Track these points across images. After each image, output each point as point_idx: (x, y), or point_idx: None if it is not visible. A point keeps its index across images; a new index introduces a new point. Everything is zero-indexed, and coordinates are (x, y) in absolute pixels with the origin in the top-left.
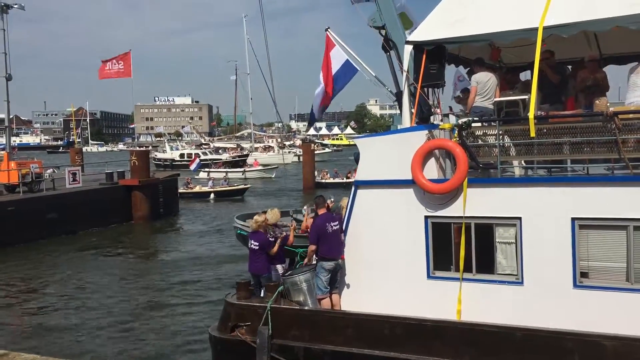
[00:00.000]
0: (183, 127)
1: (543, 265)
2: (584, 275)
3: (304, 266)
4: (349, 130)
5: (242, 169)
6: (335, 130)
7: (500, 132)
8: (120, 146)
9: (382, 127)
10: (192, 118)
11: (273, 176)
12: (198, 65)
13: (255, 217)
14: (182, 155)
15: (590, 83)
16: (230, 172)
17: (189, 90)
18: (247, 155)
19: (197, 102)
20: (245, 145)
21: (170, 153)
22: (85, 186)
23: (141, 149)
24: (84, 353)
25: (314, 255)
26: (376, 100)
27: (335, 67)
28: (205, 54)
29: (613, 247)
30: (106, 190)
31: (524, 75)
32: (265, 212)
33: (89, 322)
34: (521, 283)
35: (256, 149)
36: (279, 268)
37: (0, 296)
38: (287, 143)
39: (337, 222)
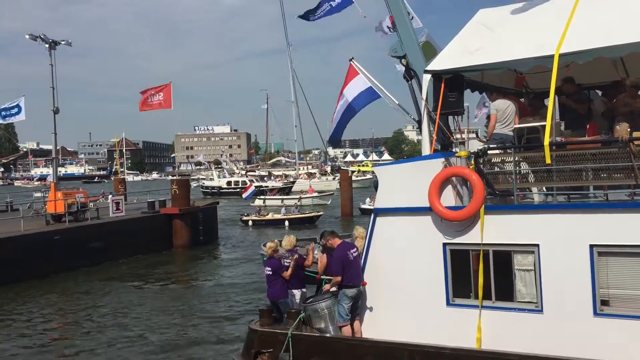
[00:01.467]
0: (221, 155)
1: (563, 293)
2: (604, 303)
3: (325, 293)
4: (386, 156)
5: (297, 197)
6: (373, 156)
7: (520, 159)
8: (154, 175)
9: (420, 152)
10: (230, 146)
11: (329, 202)
12: (237, 95)
13: (268, 243)
14: (229, 183)
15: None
16: (285, 199)
17: (228, 119)
18: (293, 183)
19: (235, 130)
20: (290, 172)
21: (217, 181)
22: (127, 215)
23: (176, 177)
24: None
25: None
26: (413, 126)
27: (353, 94)
28: (243, 83)
29: (633, 275)
30: (148, 219)
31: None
32: (276, 240)
33: (124, 348)
34: (541, 311)
35: (299, 176)
36: (296, 293)
37: (46, 323)
38: (315, 170)
39: (355, 249)
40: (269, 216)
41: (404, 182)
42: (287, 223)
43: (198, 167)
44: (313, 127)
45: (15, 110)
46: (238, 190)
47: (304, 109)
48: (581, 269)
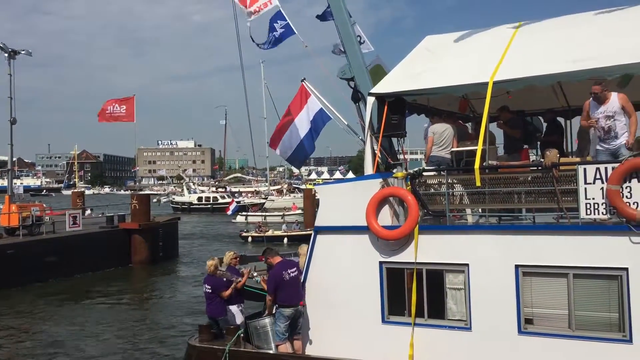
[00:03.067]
0: (184, 170)
1: (490, 312)
2: (528, 321)
3: (268, 311)
4: (350, 174)
5: (281, 213)
6: (337, 174)
7: (455, 181)
8: (106, 189)
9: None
10: (194, 161)
11: None
12: (201, 110)
13: (208, 261)
14: (200, 199)
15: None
16: (268, 215)
17: (193, 134)
18: (265, 199)
19: (199, 145)
20: (261, 189)
21: (188, 196)
22: (85, 229)
23: (135, 192)
24: None
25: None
26: None
27: (308, 115)
28: (208, 99)
29: (555, 294)
30: (106, 234)
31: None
32: (216, 258)
33: None
34: (469, 329)
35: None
36: (234, 309)
37: None
38: (274, 188)
39: (294, 269)
40: (269, 232)
41: (343, 201)
42: (285, 240)
43: (160, 181)
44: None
45: None
46: (209, 206)
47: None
48: (507, 288)
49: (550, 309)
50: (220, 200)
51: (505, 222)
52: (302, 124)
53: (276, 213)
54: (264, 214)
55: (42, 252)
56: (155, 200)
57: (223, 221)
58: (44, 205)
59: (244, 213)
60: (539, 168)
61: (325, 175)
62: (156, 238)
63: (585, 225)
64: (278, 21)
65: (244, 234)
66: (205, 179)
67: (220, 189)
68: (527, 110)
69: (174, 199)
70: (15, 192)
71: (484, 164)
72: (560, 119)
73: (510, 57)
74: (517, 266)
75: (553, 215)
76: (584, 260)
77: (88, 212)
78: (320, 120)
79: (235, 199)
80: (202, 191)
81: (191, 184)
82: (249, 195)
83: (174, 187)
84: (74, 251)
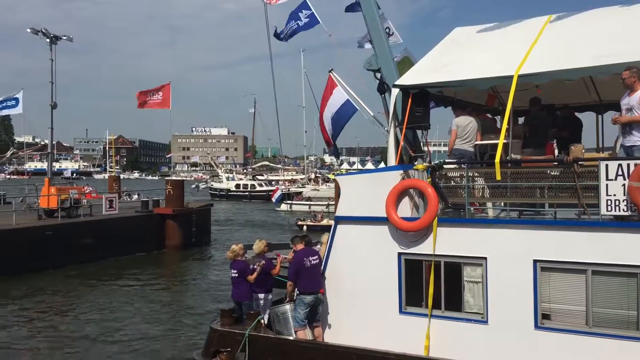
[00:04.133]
0: (215, 157)
1: (507, 306)
2: (545, 317)
3: (289, 298)
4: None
5: (325, 203)
6: (369, 165)
7: (476, 174)
8: (136, 174)
9: None
10: (227, 149)
11: None
12: (235, 98)
13: (232, 246)
14: (237, 186)
15: None
16: (313, 204)
17: (225, 122)
18: (303, 187)
19: (233, 133)
20: (297, 177)
21: (226, 183)
22: (121, 213)
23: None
24: None
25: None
26: None
27: (333, 107)
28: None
29: (573, 290)
30: (141, 218)
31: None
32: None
33: (94, 344)
34: (486, 322)
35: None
36: (261, 296)
37: (27, 318)
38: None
39: (316, 257)
40: (324, 222)
41: (363, 192)
42: None
43: (194, 168)
44: (315, 132)
45: (13, 102)
46: (246, 193)
47: (312, 114)
48: (525, 283)
49: (567, 305)
50: (258, 188)
51: (526, 216)
52: (327, 116)
53: (321, 202)
54: (308, 202)
55: (79, 234)
56: (194, 186)
57: (265, 209)
58: (89, 187)
59: (288, 201)
60: (560, 163)
61: (357, 166)
62: (189, 223)
63: (605, 222)
64: (303, 10)
65: (300, 223)
66: (238, 166)
67: (257, 176)
68: (557, 104)
69: (212, 185)
70: (64, 175)
71: (506, 158)
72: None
73: (537, 51)
74: (535, 261)
75: (575, 211)
76: (603, 257)
77: (135, 196)
78: (345, 111)
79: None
80: (240, 178)
81: (219, 170)
82: (286, 183)
83: (202, 173)
84: (109, 234)
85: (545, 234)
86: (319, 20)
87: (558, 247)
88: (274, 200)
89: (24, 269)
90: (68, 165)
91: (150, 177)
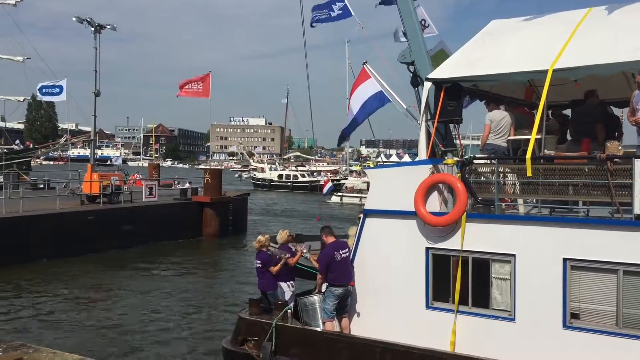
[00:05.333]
0: (255, 147)
1: (535, 304)
2: (574, 316)
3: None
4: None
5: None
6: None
7: (508, 170)
8: (168, 162)
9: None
10: (264, 139)
11: None
12: (274, 89)
13: (259, 237)
14: (280, 176)
15: None
16: (363, 197)
17: (263, 112)
18: (345, 178)
19: (270, 123)
20: (340, 169)
21: (269, 173)
22: (160, 200)
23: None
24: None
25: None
26: None
27: (363, 97)
28: (281, 77)
29: (603, 290)
30: (179, 206)
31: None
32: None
33: (130, 326)
34: (513, 320)
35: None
36: (284, 285)
37: (69, 301)
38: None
39: (346, 250)
40: None
41: (392, 186)
42: None
43: (231, 157)
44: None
45: (57, 90)
46: (289, 184)
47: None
48: (554, 281)
49: (597, 305)
50: (301, 179)
51: (557, 214)
52: (354, 103)
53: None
54: (359, 195)
55: (119, 220)
56: (236, 175)
57: (312, 200)
58: (139, 175)
59: (339, 193)
60: (593, 161)
61: (394, 158)
62: (227, 212)
63: (638, 222)
64: (337, 3)
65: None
66: (274, 156)
67: (300, 167)
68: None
69: (254, 175)
70: (115, 162)
71: (539, 154)
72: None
73: (574, 44)
74: (565, 259)
75: (609, 210)
76: (636, 258)
77: (187, 185)
78: (375, 101)
79: (314, 178)
80: (283, 169)
81: (251, 160)
82: (328, 174)
83: (234, 162)
84: (148, 221)
85: (576, 232)
86: (352, 12)
87: (589, 246)
88: (324, 191)
89: (66, 252)
90: (110, 153)
91: (181, 166)
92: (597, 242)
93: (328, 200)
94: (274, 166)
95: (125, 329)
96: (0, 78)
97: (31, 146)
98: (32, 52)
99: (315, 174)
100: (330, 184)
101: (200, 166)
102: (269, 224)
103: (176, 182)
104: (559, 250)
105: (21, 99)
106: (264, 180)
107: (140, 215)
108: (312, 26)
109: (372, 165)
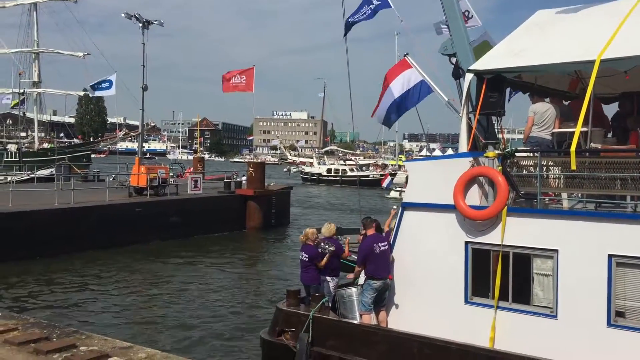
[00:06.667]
0: (298, 141)
1: (578, 301)
2: (619, 314)
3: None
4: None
5: None
6: (449, 151)
7: (552, 163)
8: (205, 156)
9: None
10: (307, 133)
11: None
12: (316, 82)
13: (306, 230)
14: (329, 170)
15: None
16: None
17: (306, 106)
18: (394, 174)
19: (312, 117)
20: (389, 162)
21: (317, 168)
22: (205, 193)
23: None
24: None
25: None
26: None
27: (407, 84)
28: (323, 71)
29: None
30: (223, 199)
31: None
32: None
33: (171, 316)
34: (555, 316)
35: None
36: (329, 280)
37: (118, 290)
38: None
39: (385, 243)
40: None
41: (432, 179)
42: None
43: (274, 151)
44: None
45: (107, 85)
46: (337, 178)
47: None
48: (598, 278)
49: None
50: (349, 173)
51: (603, 209)
52: (396, 87)
53: None
54: None
55: (165, 212)
56: (285, 169)
57: (369, 195)
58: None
59: (398, 188)
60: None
61: (437, 152)
62: (270, 205)
63: None
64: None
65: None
66: (317, 150)
67: (348, 162)
68: None
69: (303, 169)
70: (171, 157)
71: (586, 147)
72: None
73: (623, 34)
74: (610, 256)
75: None
76: None
77: (244, 178)
78: (419, 90)
79: (361, 172)
80: (332, 163)
81: (287, 154)
82: (378, 169)
83: (271, 156)
84: (193, 213)
85: (623, 228)
86: (391, 4)
87: (636, 242)
88: (384, 186)
89: (115, 243)
90: (157, 146)
91: (217, 159)
92: None
93: (387, 196)
94: (322, 160)
95: (170, 318)
96: (57, 73)
97: (82, 140)
98: (91, 48)
99: (363, 168)
100: (389, 179)
101: (235, 159)
102: (314, 217)
103: (233, 176)
104: (604, 246)
105: (81, 93)
106: (313, 174)
107: (185, 207)
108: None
109: (403, 159)
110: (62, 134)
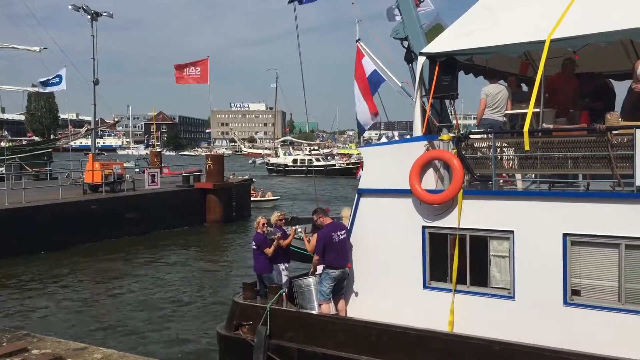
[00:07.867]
0: (257, 132)
1: (535, 281)
2: (575, 292)
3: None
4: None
5: None
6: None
7: (505, 145)
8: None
9: None
10: (265, 124)
11: None
12: (273, 73)
13: (257, 218)
14: (294, 161)
15: None
16: None
17: (263, 97)
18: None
19: (270, 108)
20: (353, 152)
21: (283, 159)
22: (162, 188)
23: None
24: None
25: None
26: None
27: (364, 77)
28: (279, 62)
29: (605, 266)
30: (182, 193)
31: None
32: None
33: (127, 312)
34: (513, 298)
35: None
36: (281, 267)
37: (74, 290)
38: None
39: (344, 231)
40: None
41: (387, 164)
42: None
43: (232, 143)
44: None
45: (57, 80)
46: (304, 168)
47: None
48: (554, 257)
49: (599, 281)
50: (316, 163)
51: (556, 189)
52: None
53: None
54: None
55: (123, 209)
56: (250, 161)
57: (345, 184)
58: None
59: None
60: (593, 132)
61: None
62: (229, 198)
63: (639, 194)
64: None
65: None
66: (274, 142)
67: (314, 151)
68: (600, 72)
69: (269, 160)
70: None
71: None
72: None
73: (572, 14)
74: (565, 235)
75: (610, 183)
76: (638, 231)
77: (232, 175)
78: (373, 82)
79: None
80: (298, 154)
81: (241, 146)
82: (344, 158)
83: (225, 149)
84: (151, 209)
85: (576, 207)
86: None
87: (589, 220)
88: (357, 177)
89: (70, 242)
90: (112, 142)
91: (168, 153)
92: (598, 216)
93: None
94: (287, 151)
95: (127, 317)
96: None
97: (34, 138)
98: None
99: (329, 157)
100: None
101: (185, 153)
102: (283, 208)
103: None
104: (559, 225)
105: (31, 89)
106: (279, 165)
107: (143, 203)
108: (300, 3)
109: (354, 147)
110: (5, 132)
